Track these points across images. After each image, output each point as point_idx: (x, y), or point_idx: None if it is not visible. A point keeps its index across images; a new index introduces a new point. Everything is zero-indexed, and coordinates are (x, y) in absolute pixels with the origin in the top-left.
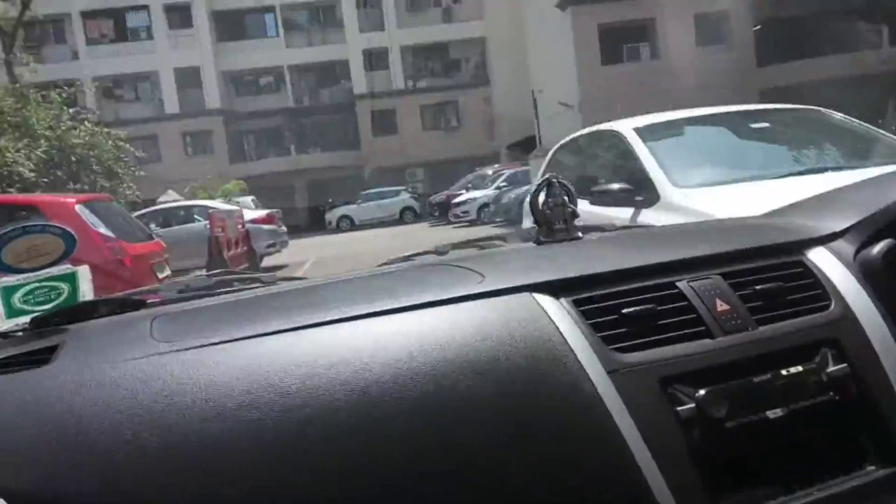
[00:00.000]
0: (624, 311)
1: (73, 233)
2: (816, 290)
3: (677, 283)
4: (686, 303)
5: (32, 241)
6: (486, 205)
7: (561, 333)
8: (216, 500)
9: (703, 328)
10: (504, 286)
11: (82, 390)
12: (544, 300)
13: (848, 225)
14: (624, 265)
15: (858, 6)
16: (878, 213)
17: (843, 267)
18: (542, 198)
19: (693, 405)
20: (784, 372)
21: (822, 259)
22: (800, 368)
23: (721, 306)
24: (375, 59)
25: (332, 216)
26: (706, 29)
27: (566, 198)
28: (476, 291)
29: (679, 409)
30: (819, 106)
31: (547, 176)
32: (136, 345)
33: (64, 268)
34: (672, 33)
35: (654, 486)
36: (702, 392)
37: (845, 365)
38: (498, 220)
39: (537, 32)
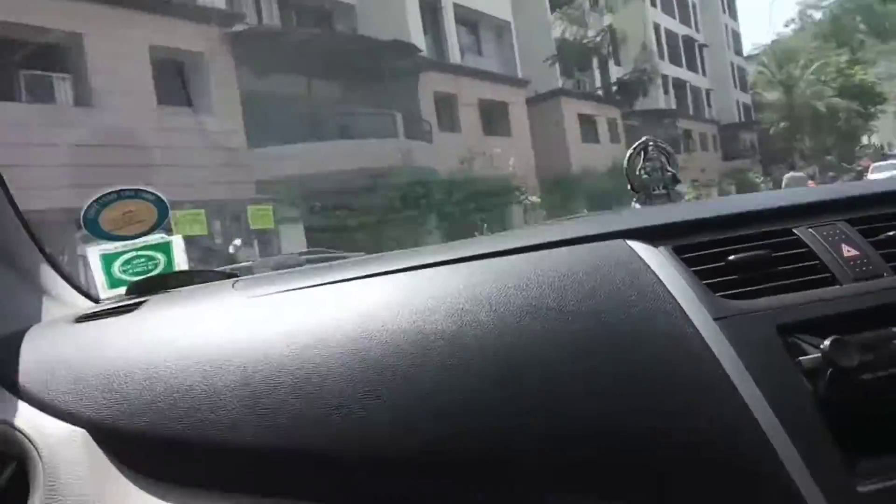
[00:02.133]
0: (731, 257)
1: (165, 200)
2: None
3: (794, 230)
4: (806, 249)
5: (127, 206)
6: None
7: (659, 278)
8: (285, 433)
9: (827, 275)
10: (593, 232)
11: (157, 333)
12: (639, 247)
13: None
14: (731, 211)
15: (370, 94)
16: None
17: None
18: (638, 162)
19: (818, 355)
20: None
21: None
22: None
23: (848, 251)
24: None
25: None
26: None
27: (665, 161)
28: (560, 238)
29: (802, 358)
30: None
31: (644, 139)
32: (215, 296)
33: (158, 237)
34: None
35: (778, 444)
36: (829, 340)
37: None
38: None
39: None
